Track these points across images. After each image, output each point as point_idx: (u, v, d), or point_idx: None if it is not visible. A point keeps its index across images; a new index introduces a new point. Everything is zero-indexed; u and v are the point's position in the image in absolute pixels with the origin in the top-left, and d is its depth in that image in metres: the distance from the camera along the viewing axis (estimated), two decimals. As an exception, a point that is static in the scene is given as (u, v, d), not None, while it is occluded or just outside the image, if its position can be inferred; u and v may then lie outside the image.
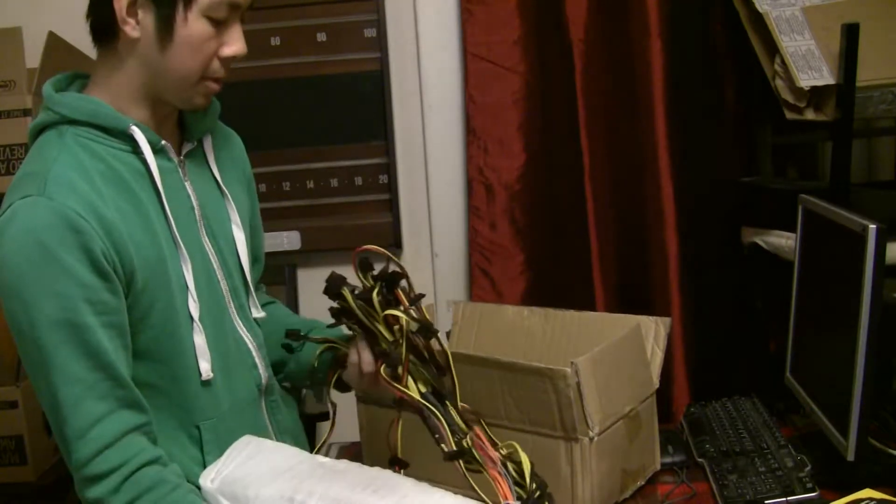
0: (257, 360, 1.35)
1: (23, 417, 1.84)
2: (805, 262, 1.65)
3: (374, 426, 1.60)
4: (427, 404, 1.21)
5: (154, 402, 1.21)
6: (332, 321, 1.42)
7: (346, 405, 1.67)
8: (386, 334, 1.24)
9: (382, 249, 1.26)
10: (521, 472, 1.21)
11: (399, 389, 1.22)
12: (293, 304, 2.23)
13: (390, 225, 2.30)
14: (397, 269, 1.25)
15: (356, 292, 1.26)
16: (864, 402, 1.35)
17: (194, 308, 1.23)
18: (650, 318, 1.57)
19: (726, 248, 2.14)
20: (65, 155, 1.16)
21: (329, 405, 1.41)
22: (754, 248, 2.01)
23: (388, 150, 2.28)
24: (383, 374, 1.23)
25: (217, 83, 1.24)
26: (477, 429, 1.23)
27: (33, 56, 1.91)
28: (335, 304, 1.28)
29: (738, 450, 1.56)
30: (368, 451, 1.61)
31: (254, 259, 1.45)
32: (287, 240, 2.27)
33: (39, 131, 1.22)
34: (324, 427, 2.14)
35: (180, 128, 1.31)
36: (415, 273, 2.37)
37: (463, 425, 1.23)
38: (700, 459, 1.57)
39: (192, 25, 1.17)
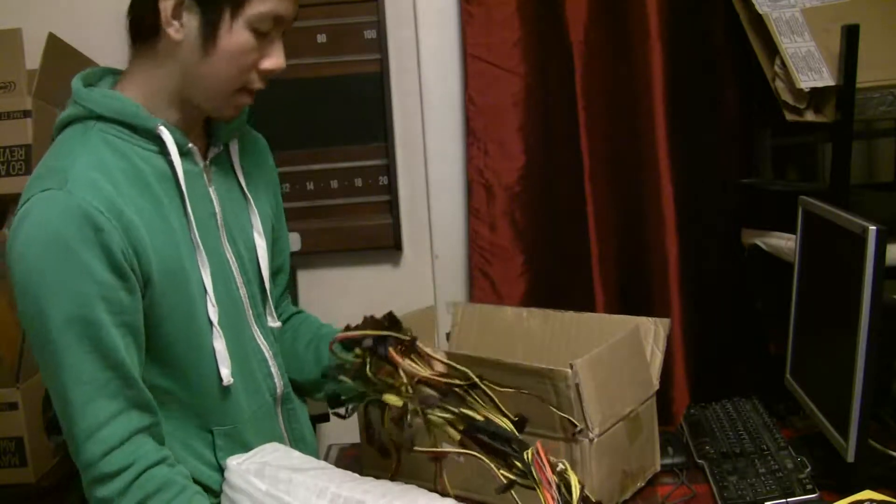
0: (273, 369, 1.35)
1: (23, 419, 1.84)
2: (805, 264, 1.65)
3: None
4: (469, 452, 1.17)
5: (168, 407, 1.20)
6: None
7: (345, 406, 1.67)
8: (397, 401, 1.21)
9: (357, 333, 1.23)
10: (569, 493, 1.16)
11: (435, 452, 1.20)
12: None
13: (390, 226, 2.30)
14: (381, 334, 1.21)
15: (348, 371, 1.23)
16: (864, 404, 1.35)
17: (213, 312, 1.22)
18: (649, 319, 1.57)
19: (726, 250, 2.14)
20: (88, 152, 1.15)
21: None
22: (754, 249, 2.01)
23: (388, 151, 2.28)
24: (418, 449, 1.20)
25: (250, 96, 1.24)
26: (539, 443, 1.18)
27: (33, 57, 1.91)
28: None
29: (738, 451, 1.56)
30: (368, 453, 1.61)
31: (277, 268, 1.44)
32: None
33: (65, 126, 1.21)
34: (325, 428, 2.15)
35: (206, 132, 1.30)
36: (415, 275, 2.39)
37: (518, 435, 1.18)
38: (700, 461, 1.57)
39: (236, 35, 1.16)
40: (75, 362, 1.10)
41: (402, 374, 1.20)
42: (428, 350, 1.25)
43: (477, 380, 1.21)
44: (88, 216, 1.09)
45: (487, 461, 1.15)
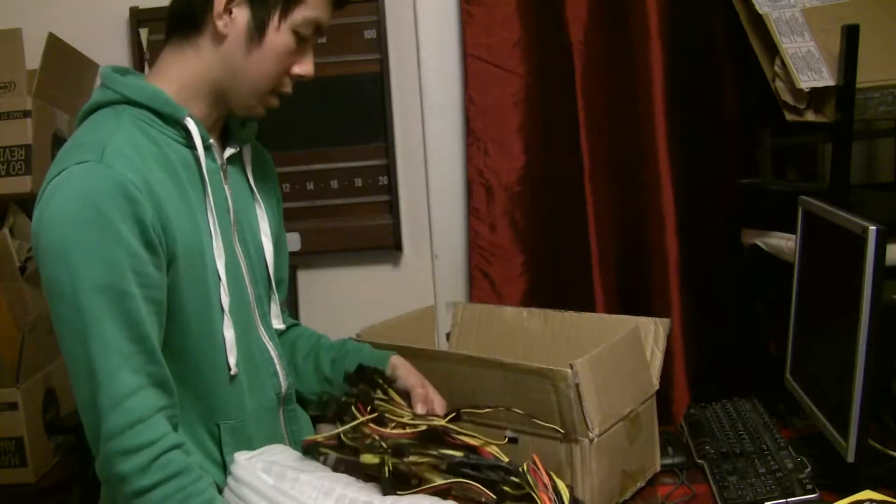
0: (278, 368, 1.36)
1: (23, 419, 1.84)
2: (805, 264, 1.65)
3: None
4: (459, 480, 1.20)
5: (178, 396, 1.20)
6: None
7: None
8: (374, 458, 1.24)
9: (321, 437, 1.29)
10: (560, 499, 1.20)
11: (428, 488, 1.22)
12: (293, 306, 2.23)
13: (390, 226, 2.30)
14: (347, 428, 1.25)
15: (330, 443, 1.28)
16: (864, 404, 1.35)
17: (226, 300, 1.24)
18: (649, 319, 1.57)
19: (726, 250, 2.14)
20: (122, 129, 1.18)
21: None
22: (754, 249, 2.00)
23: (388, 151, 2.28)
24: (403, 493, 1.23)
25: (278, 99, 1.28)
26: (535, 455, 1.21)
27: (33, 57, 1.91)
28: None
29: (738, 451, 1.56)
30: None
31: (278, 281, 1.45)
32: (287, 241, 2.27)
33: (94, 110, 1.22)
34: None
35: (221, 134, 1.34)
36: (415, 275, 2.39)
37: (505, 459, 1.21)
38: (700, 461, 1.57)
39: (281, 36, 1.22)
40: (103, 329, 1.10)
41: (376, 437, 1.23)
42: (396, 401, 1.31)
43: (445, 423, 1.25)
44: (125, 188, 1.11)
45: (476, 489, 1.18)
